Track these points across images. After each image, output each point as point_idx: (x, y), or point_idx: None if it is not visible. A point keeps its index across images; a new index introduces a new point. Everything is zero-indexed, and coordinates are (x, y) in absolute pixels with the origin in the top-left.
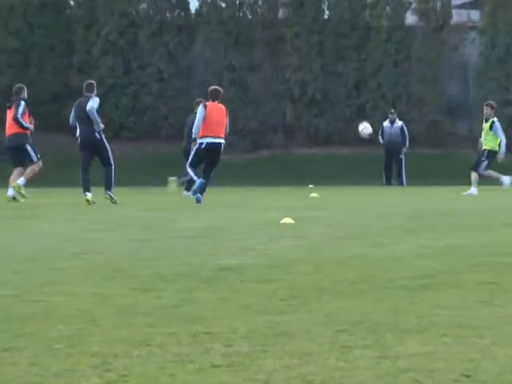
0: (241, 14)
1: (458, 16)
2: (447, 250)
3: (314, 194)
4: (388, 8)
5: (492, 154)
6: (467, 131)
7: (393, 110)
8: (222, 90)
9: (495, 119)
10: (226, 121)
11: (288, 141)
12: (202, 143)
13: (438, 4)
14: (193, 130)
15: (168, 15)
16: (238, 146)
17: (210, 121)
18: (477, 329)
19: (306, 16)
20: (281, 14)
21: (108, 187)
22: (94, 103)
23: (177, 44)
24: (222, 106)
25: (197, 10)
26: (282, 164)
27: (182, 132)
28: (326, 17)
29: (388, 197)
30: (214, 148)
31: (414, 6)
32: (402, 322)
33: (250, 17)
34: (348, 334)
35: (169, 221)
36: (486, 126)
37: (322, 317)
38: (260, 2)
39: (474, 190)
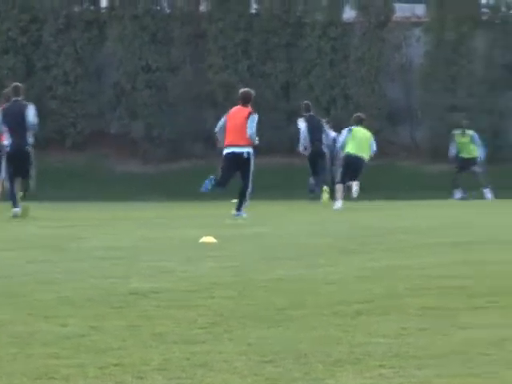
0: (158, 8)
1: (401, 11)
2: (388, 271)
3: None
4: (323, 1)
5: None
6: (410, 139)
7: (327, 119)
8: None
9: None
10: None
11: (210, 150)
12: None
13: None
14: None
15: (76, 9)
16: (154, 155)
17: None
18: (418, 359)
19: (231, 10)
20: (203, 7)
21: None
22: (34, 112)
23: (86, 42)
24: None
25: (108, 3)
26: (203, 176)
27: (91, 140)
28: (253, 11)
29: (324, 212)
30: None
31: None
32: (334, 351)
33: (168, 11)
34: (274, 366)
35: (78, 239)
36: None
37: (245, 346)
38: None
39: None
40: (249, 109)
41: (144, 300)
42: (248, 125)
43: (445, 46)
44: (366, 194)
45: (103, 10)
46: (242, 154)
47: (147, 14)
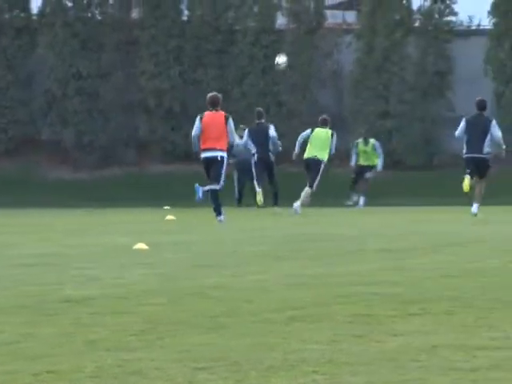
0: (89, 15)
1: (332, 18)
2: (318, 278)
3: (170, 217)
4: (255, 8)
5: None
6: (342, 146)
7: (243, 126)
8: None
9: None
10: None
11: (141, 157)
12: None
13: (311, 4)
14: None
15: (6, 16)
16: (85, 162)
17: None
18: (350, 365)
19: (163, 17)
20: (134, 14)
21: None
22: None
23: (16, 49)
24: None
25: (39, 10)
26: (135, 183)
27: (22, 147)
28: (185, 18)
29: (256, 220)
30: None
31: (284, 6)
32: (268, 358)
33: (99, 18)
34: (207, 373)
35: (8, 246)
36: None
37: (177, 353)
38: (111, 1)
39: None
40: (223, 113)
41: (77, 307)
42: (228, 129)
43: (376, 52)
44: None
45: (34, 17)
46: (216, 157)
47: (78, 20)
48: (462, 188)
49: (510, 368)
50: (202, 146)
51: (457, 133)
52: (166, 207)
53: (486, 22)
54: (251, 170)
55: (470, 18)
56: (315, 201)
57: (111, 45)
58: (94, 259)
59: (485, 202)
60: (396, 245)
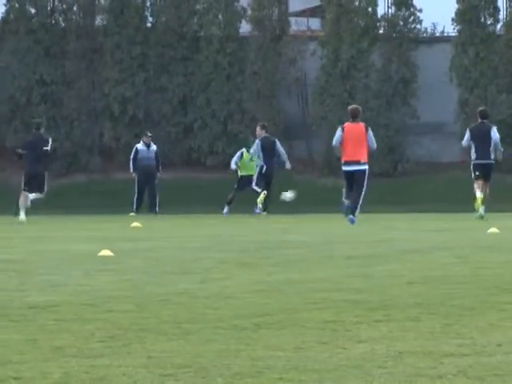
0: (53, 22)
1: (296, 25)
2: (284, 285)
3: (135, 224)
4: (220, 15)
5: None
6: (306, 153)
7: (148, 133)
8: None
9: None
10: None
11: (106, 164)
12: None
13: (275, 12)
14: None
15: None
16: (49, 169)
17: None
18: (317, 372)
19: (127, 24)
20: (98, 21)
21: None
22: None
23: None
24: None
25: (3, 17)
26: (100, 190)
27: None
28: (149, 25)
29: (223, 227)
30: None
31: (248, 13)
32: (234, 365)
33: (63, 25)
34: (174, 379)
35: None
36: None
37: (144, 360)
38: (75, 8)
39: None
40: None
41: (42, 313)
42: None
43: (341, 60)
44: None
45: None
46: None
47: (42, 27)
48: (473, 206)
49: (476, 375)
50: None
51: (463, 142)
52: (131, 214)
53: (451, 29)
54: (153, 177)
55: (435, 26)
56: (276, 209)
57: (75, 52)
58: (58, 266)
59: (452, 209)
60: (362, 252)
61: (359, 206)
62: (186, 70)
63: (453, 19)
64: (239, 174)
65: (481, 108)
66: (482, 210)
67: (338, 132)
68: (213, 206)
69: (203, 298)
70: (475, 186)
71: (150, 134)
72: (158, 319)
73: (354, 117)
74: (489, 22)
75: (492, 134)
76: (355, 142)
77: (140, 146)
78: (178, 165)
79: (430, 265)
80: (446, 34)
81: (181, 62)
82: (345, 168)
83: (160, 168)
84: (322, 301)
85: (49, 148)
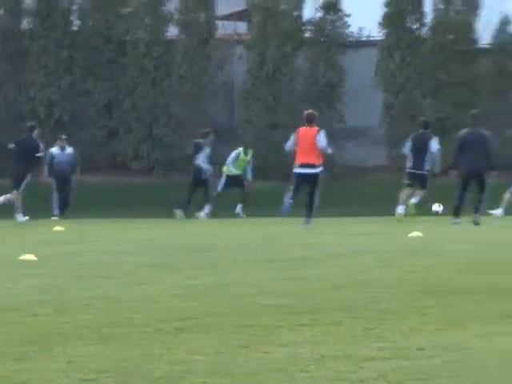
0: None
1: (223, 28)
2: (208, 289)
3: (58, 228)
4: (147, 19)
5: None
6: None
7: (63, 136)
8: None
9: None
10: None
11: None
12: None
13: (202, 15)
14: None
15: None
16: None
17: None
18: (238, 376)
19: (53, 27)
20: (24, 24)
21: None
22: None
23: None
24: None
25: None
26: (26, 194)
27: None
28: (75, 28)
29: (147, 231)
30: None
31: (176, 17)
32: (155, 369)
33: None
34: None
35: None
36: None
37: (64, 364)
38: (1, 12)
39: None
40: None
41: None
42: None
43: (267, 63)
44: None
45: None
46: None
47: None
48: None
49: (397, 379)
50: None
51: (405, 151)
52: (53, 218)
53: (377, 34)
54: (69, 181)
55: (361, 30)
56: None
57: (1, 55)
58: None
59: (378, 213)
60: (288, 255)
61: (314, 208)
62: (112, 73)
63: (379, 23)
64: (227, 173)
65: (422, 118)
66: (400, 208)
67: (292, 136)
68: (137, 209)
69: (127, 301)
70: (402, 193)
71: (64, 137)
72: (79, 323)
73: (309, 121)
74: (415, 27)
75: (431, 145)
76: (308, 146)
77: (54, 149)
78: (102, 168)
79: (355, 268)
80: (372, 39)
81: (107, 66)
82: (298, 171)
83: (77, 170)
84: (244, 304)
85: (40, 154)
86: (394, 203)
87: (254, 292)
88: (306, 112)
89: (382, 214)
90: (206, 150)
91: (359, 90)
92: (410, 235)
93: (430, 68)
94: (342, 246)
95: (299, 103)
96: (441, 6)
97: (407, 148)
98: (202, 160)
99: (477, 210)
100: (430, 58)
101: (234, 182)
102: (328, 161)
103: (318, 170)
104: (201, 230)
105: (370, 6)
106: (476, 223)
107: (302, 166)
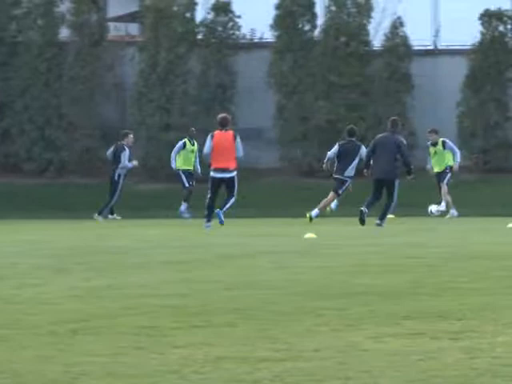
0: None
1: (115, 30)
2: (101, 291)
3: None
4: (39, 21)
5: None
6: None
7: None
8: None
9: (443, 138)
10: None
11: None
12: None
13: (94, 17)
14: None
15: None
16: None
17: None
18: (133, 378)
19: None
20: None
21: None
22: None
23: None
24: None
25: None
26: None
27: None
28: None
29: (39, 232)
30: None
31: (68, 18)
32: (49, 371)
33: None
34: None
35: None
36: (434, 149)
37: None
38: None
39: (453, 211)
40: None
41: None
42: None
43: (159, 65)
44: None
45: None
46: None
47: None
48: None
49: (293, 380)
50: None
51: (329, 154)
52: None
53: (269, 36)
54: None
55: (253, 31)
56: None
57: None
58: None
59: (271, 214)
60: (181, 257)
61: (226, 209)
62: (4, 75)
63: (271, 25)
64: (179, 168)
65: (348, 127)
66: (333, 205)
67: (208, 140)
68: (29, 211)
69: (18, 303)
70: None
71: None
72: None
73: (223, 125)
74: (306, 29)
75: (360, 152)
76: (224, 150)
77: None
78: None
79: (248, 270)
80: (264, 40)
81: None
82: (214, 174)
83: None
84: (139, 306)
85: None
86: (287, 205)
87: (149, 294)
88: (219, 116)
89: (277, 216)
90: (127, 151)
91: (252, 92)
92: (304, 237)
93: (322, 70)
94: (235, 247)
95: (192, 105)
96: (333, 8)
97: (332, 152)
98: (123, 161)
99: (382, 216)
100: (322, 60)
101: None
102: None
103: (233, 174)
104: (94, 233)
105: (261, 7)
106: (378, 225)
107: (218, 170)
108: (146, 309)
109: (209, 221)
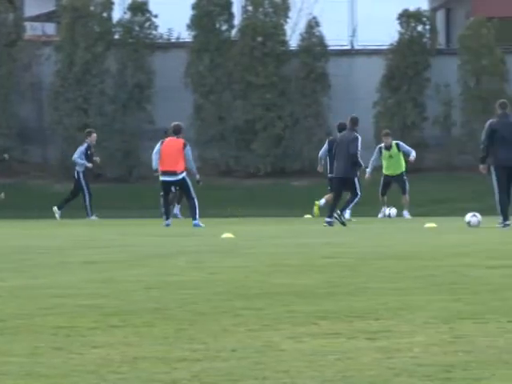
0: None
1: (32, 30)
2: (18, 291)
3: None
4: None
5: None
6: (41, 159)
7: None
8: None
9: (396, 141)
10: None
11: None
12: None
13: (10, 16)
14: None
15: None
16: None
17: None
18: (50, 378)
19: None
20: None
21: None
22: None
23: None
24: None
25: None
26: None
27: None
28: None
29: None
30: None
31: None
32: None
33: None
34: None
35: None
36: (389, 152)
37: None
38: None
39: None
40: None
41: None
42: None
43: (76, 65)
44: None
45: None
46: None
47: None
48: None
49: (210, 380)
50: None
51: (321, 153)
52: None
53: (186, 35)
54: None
55: (170, 31)
56: (8, 214)
57: None
58: None
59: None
60: (101, 257)
61: (195, 215)
62: None
63: (188, 25)
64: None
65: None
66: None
67: (158, 145)
68: None
69: None
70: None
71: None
72: None
73: (176, 132)
74: (224, 29)
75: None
76: (172, 155)
77: None
78: None
79: (166, 270)
80: (181, 40)
81: None
82: (162, 178)
83: None
84: (56, 306)
85: None
86: (205, 205)
87: (68, 294)
88: (173, 124)
89: None
90: (81, 148)
91: (169, 92)
92: (222, 236)
93: (240, 70)
94: (156, 247)
95: (109, 104)
96: (249, 8)
97: (322, 151)
98: (75, 157)
99: (342, 209)
100: (239, 60)
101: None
102: (135, 162)
103: (181, 177)
104: (14, 233)
105: (178, 7)
106: (342, 223)
107: (165, 173)
108: (64, 309)
109: (167, 218)
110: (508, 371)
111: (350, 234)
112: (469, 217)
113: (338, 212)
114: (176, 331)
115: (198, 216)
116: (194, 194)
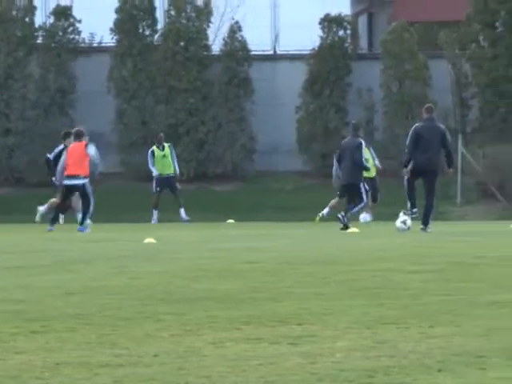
0: None
1: None
2: None
3: None
4: None
5: None
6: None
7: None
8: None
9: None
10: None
11: None
12: None
13: None
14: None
15: None
16: None
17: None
18: None
19: None
20: None
21: None
22: None
23: None
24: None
25: None
26: None
27: None
28: None
29: None
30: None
31: None
32: None
33: None
34: None
35: None
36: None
37: None
38: None
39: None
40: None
41: None
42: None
43: None
44: None
45: None
46: None
47: None
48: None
49: None
50: None
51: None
52: None
53: (109, 40)
54: None
55: (92, 36)
56: None
57: None
58: None
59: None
60: (20, 262)
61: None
62: None
63: (111, 29)
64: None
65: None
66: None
67: (64, 152)
68: None
69: None
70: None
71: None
72: None
73: (78, 137)
74: (147, 33)
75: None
76: (76, 159)
77: None
78: None
79: (88, 275)
80: (104, 45)
81: None
82: (65, 182)
83: None
84: None
85: None
86: (127, 210)
87: None
88: (75, 129)
89: (116, 221)
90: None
91: (91, 96)
92: (144, 241)
93: (162, 74)
94: (78, 252)
95: (30, 109)
96: (172, 13)
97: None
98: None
99: (345, 212)
100: (162, 65)
101: (164, 183)
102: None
103: (83, 181)
104: None
105: (102, 11)
106: (345, 225)
107: (69, 177)
108: None
109: (53, 224)
110: (430, 376)
111: (274, 238)
112: (398, 222)
113: (343, 213)
114: (98, 336)
115: (87, 222)
116: (92, 202)
